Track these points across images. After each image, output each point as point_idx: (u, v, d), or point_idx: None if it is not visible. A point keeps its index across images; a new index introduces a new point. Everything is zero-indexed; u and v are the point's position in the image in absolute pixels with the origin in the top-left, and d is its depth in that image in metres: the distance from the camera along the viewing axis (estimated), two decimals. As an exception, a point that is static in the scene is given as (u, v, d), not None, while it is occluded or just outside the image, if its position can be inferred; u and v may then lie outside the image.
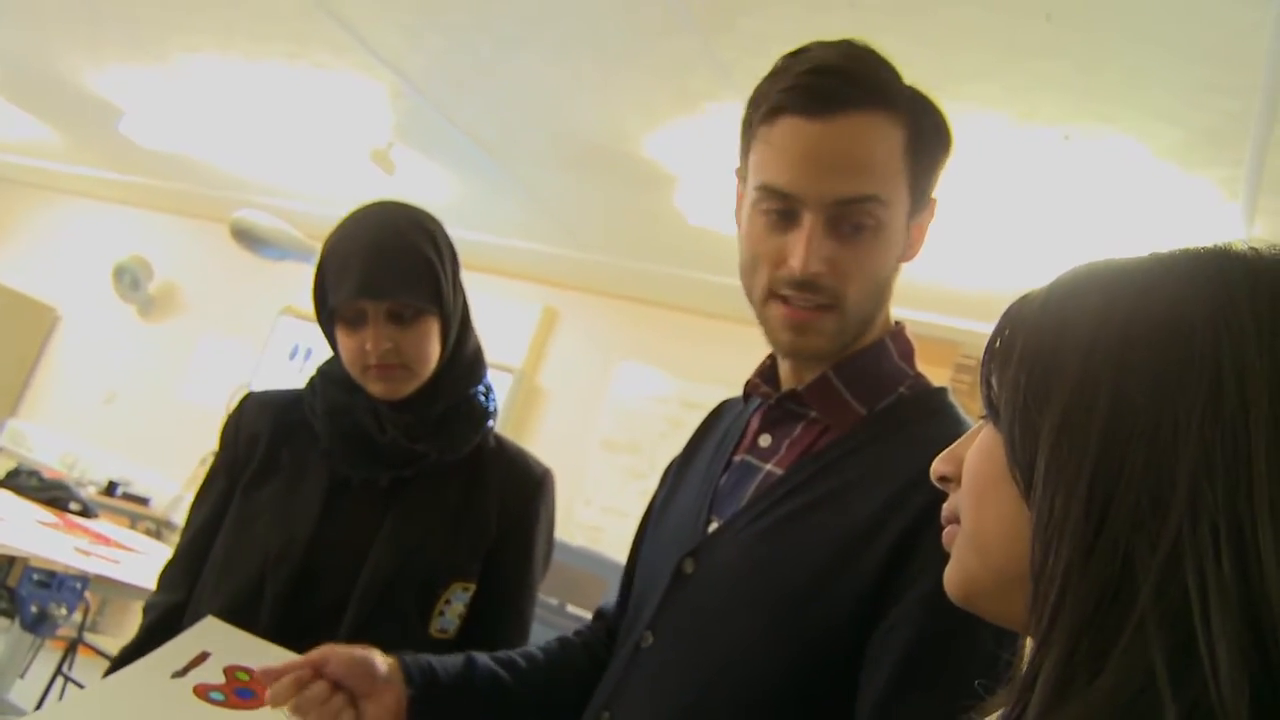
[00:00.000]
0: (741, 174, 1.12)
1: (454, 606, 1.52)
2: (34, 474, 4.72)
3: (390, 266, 1.45)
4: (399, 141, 4.27)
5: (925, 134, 1.05)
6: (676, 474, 1.28)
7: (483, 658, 1.23)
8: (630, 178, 3.94)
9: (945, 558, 0.93)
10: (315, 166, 5.06)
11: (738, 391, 1.23)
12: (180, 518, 6.36)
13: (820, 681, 0.99)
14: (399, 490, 1.52)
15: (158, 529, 6.24)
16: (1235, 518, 0.52)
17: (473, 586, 1.54)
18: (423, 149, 4.32)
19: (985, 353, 0.67)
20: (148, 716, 1.13)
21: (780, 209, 1.04)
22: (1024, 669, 0.58)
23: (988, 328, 0.68)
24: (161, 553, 4.48)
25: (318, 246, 5.13)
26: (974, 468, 0.67)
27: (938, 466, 0.72)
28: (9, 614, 5.29)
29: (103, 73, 4.67)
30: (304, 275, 6.24)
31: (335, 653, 1.12)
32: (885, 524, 0.98)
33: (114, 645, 4.90)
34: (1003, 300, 0.68)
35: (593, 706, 1.13)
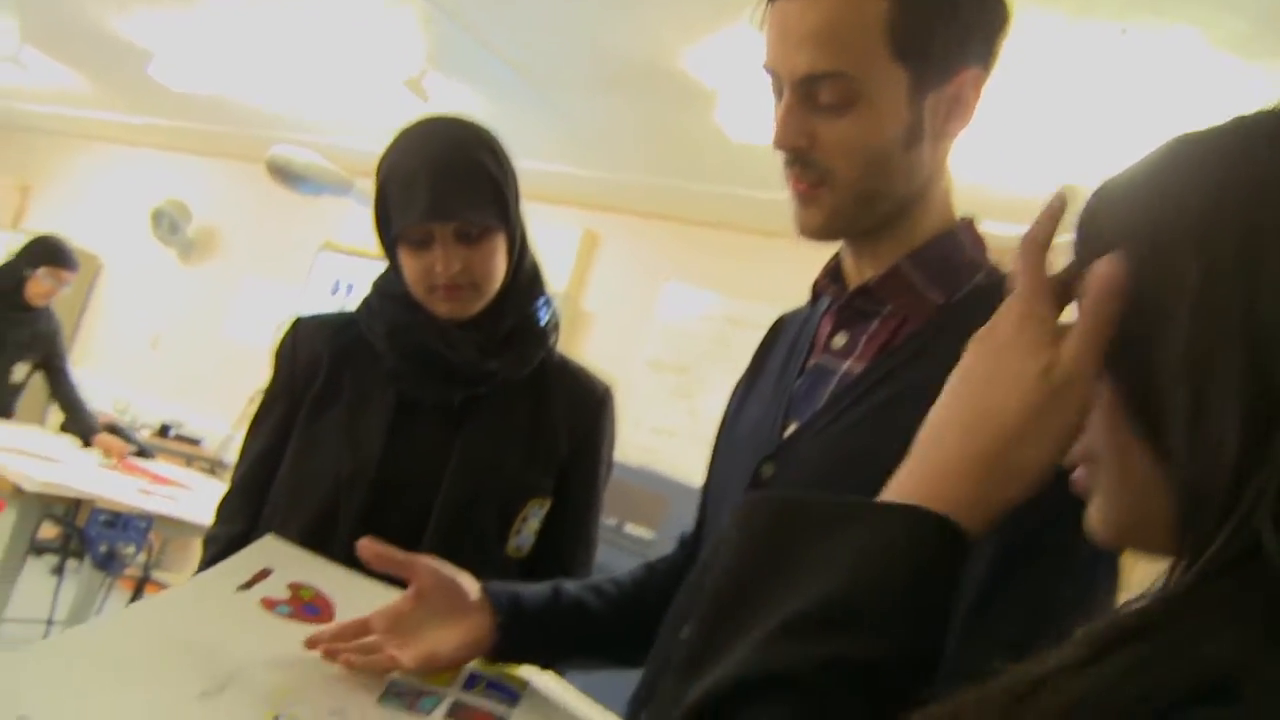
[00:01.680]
0: None
1: (530, 524, 1.52)
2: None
3: (457, 186, 1.42)
4: (432, 69, 4.22)
5: (919, 2, 1.00)
6: (743, 392, 1.26)
7: (569, 585, 1.23)
8: (668, 95, 3.88)
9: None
10: (349, 99, 5.01)
11: (784, 307, 1.22)
12: (233, 457, 6.46)
13: None
14: (469, 410, 1.50)
15: (211, 468, 6.32)
16: None
17: (548, 503, 1.54)
18: (456, 75, 4.27)
19: (1070, 270, 0.64)
20: (216, 625, 1.13)
21: (774, 89, 1.03)
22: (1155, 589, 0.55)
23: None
24: (219, 489, 4.53)
25: (354, 180, 5.12)
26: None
27: None
28: (78, 554, 5.41)
29: (129, 16, 4.63)
30: (342, 210, 6.27)
31: (425, 564, 1.13)
32: None
33: (179, 580, 5.00)
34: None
35: (674, 616, 1.12)
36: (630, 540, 3.21)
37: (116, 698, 0.94)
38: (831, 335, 1.11)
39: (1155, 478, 0.57)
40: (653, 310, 5.23)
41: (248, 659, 1.06)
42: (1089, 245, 0.63)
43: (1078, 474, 0.65)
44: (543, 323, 1.57)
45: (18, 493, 3.07)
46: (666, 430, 4.86)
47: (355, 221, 6.29)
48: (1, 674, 0.90)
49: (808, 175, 1.02)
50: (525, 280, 1.55)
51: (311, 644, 1.09)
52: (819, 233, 1.07)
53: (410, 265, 1.45)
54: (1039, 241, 0.65)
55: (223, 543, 1.53)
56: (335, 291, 6.23)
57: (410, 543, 1.41)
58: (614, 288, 5.50)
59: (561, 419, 1.56)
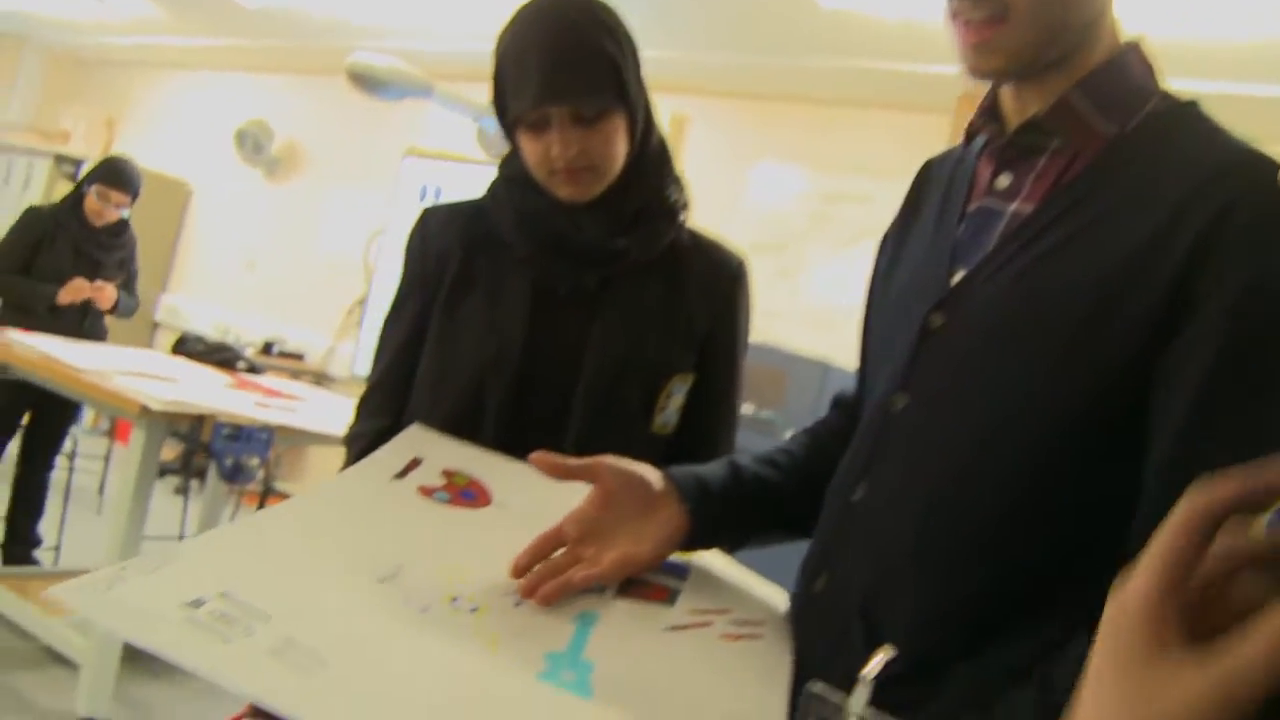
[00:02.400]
0: None
1: (675, 399, 1.52)
2: (199, 339, 4.90)
3: (570, 68, 1.39)
4: (507, -40, 4.13)
5: None
6: (895, 242, 1.20)
7: (744, 461, 1.20)
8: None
9: (1249, 265, 0.85)
10: (424, 1, 4.96)
11: (878, 177, 1.15)
12: (336, 369, 6.60)
13: (1105, 426, 0.92)
14: (605, 292, 1.49)
15: (317, 381, 6.44)
16: None
17: (691, 378, 1.53)
18: (532, -36, 4.18)
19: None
20: (378, 515, 1.13)
21: None
22: None
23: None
24: (329, 400, 4.62)
25: (435, 83, 5.08)
26: None
27: None
28: (199, 474, 5.57)
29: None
30: (424, 114, 6.25)
31: (608, 465, 1.10)
32: (1170, 239, 0.89)
33: (299, 490, 5.14)
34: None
35: (845, 478, 1.08)
36: (750, 420, 3.13)
37: (303, 579, 0.94)
38: (994, 176, 1.06)
39: None
40: (745, 192, 5.14)
41: (415, 546, 1.06)
42: None
43: None
44: (672, 201, 1.54)
45: (144, 412, 3.15)
46: (771, 312, 4.78)
47: (438, 125, 6.27)
48: (192, 555, 0.89)
49: (982, 9, 0.96)
50: (652, 159, 1.52)
51: (516, 574, 1.05)
52: (999, 75, 1.02)
53: (529, 149, 1.44)
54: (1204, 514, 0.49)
55: (369, 438, 1.51)
56: (423, 197, 6.24)
57: (556, 426, 1.45)
58: (704, 172, 5.38)
59: (697, 295, 1.54)
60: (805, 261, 4.74)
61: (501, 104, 1.46)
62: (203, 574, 0.86)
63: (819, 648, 1.04)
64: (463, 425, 1.43)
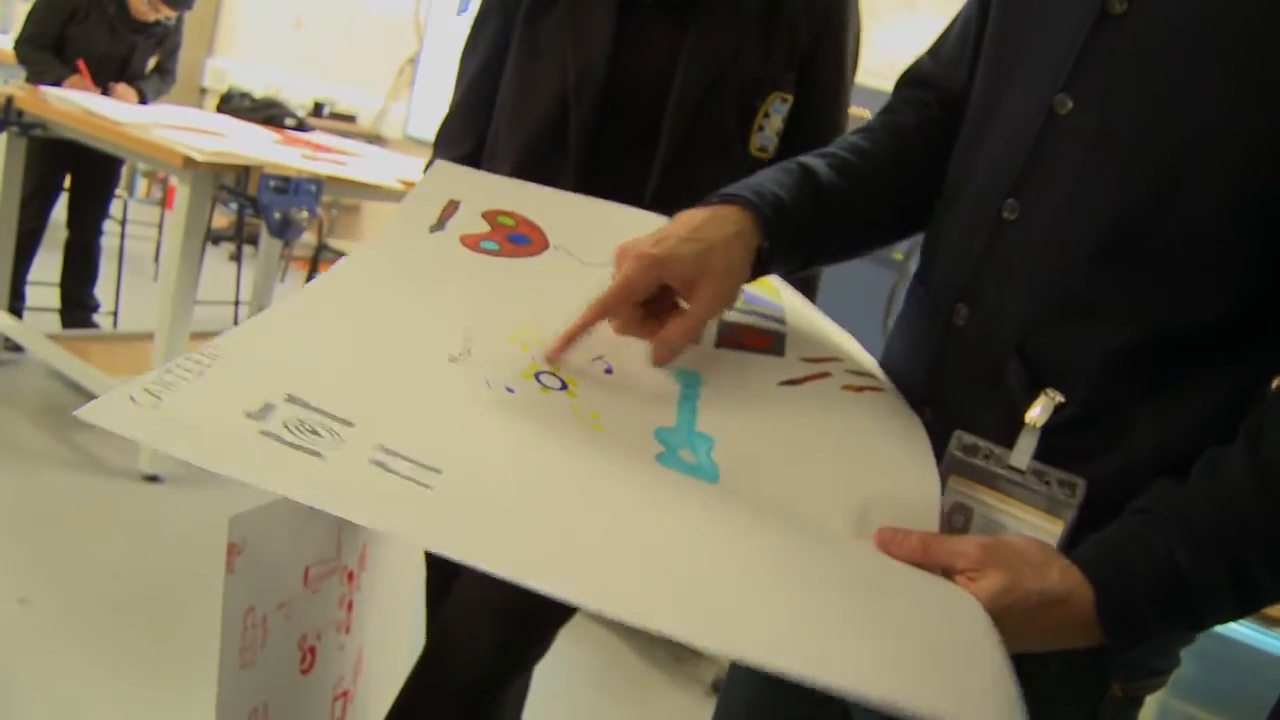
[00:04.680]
0: None
1: (773, 121, 1.40)
2: (246, 95, 4.72)
3: None
4: None
5: None
6: None
7: (817, 165, 0.99)
8: None
9: None
10: None
11: None
12: (388, 130, 6.41)
13: None
14: (697, 2, 1.36)
15: (369, 143, 6.28)
16: None
17: (790, 98, 1.40)
18: None
19: None
20: (428, 281, 0.95)
21: None
22: None
23: None
24: (381, 155, 4.47)
25: None
26: None
27: None
28: (254, 240, 5.49)
29: None
30: None
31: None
32: None
33: (353, 248, 5.05)
34: None
35: (985, 191, 0.90)
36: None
37: (369, 372, 0.77)
38: None
39: None
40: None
41: (477, 312, 0.90)
42: None
43: None
44: None
45: (188, 164, 3.01)
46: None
47: None
48: (239, 351, 0.72)
49: None
50: None
51: (562, 347, 0.87)
52: None
53: None
54: None
55: None
56: (472, -57, 5.89)
57: (645, 146, 1.34)
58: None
59: (800, 6, 1.39)
60: (876, 9, 4.42)
61: None
62: (257, 374, 0.69)
63: (959, 394, 0.89)
64: (545, 149, 1.36)
